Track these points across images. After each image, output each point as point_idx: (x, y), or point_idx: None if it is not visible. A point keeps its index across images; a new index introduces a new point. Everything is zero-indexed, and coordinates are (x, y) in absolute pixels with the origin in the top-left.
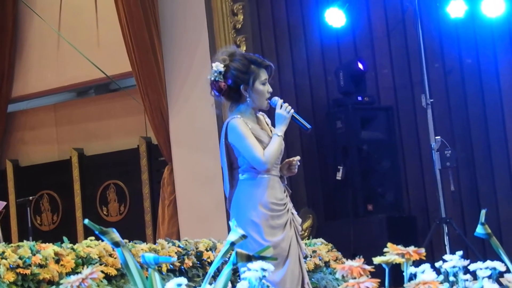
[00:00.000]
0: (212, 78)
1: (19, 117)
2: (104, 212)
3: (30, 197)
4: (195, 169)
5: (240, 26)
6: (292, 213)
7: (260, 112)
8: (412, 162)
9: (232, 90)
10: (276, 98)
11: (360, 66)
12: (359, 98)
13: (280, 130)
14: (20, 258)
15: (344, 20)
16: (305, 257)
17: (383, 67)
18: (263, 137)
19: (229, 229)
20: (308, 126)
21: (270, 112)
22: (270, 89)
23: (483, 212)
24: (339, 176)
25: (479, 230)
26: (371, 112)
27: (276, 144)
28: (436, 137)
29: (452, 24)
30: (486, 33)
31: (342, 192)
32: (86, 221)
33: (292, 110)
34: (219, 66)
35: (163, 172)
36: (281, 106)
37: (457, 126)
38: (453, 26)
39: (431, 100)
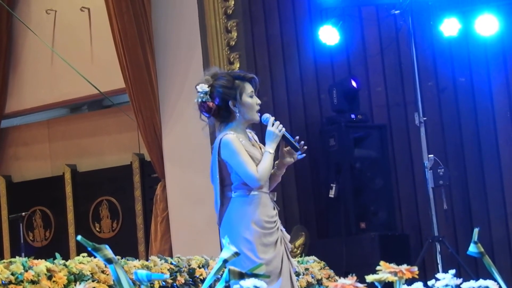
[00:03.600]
0: (200, 100)
1: (13, 132)
2: (97, 229)
3: (23, 213)
4: (188, 186)
5: (234, 43)
6: (281, 230)
7: (248, 130)
8: (405, 180)
9: (221, 108)
10: (267, 115)
11: (354, 84)
12: (352, 116)
13: (271, 147)
14: (12, 274)
15: (338, 38)
16: (298, 275)
17: (376, 85)
18: (255, 154)
19: (221, 247)
20: (300, 148)
21: (261, 128)
22: (259, 101)
23: (475, 230)
24: (331, 193)
25: (472, 248)
26: (364, 130)
27: (268, 161)
28: (429, 156)
29: (445, 42)
30: (479, 52)
31: (334, 209)
32: (79, 237)
33: (284, 129)
34: (203, 87)
35: (156, 189)
36: (273, 124)
37: (450, 145)
38: (446, 45)
39: (424, 118)
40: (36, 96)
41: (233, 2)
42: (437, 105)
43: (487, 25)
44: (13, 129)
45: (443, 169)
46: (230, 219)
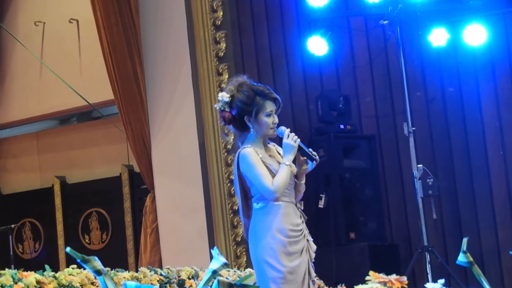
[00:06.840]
0: (218, 108)
1: (1, 145)
2: (86, 240)
3: (12, 225)
4: (178, 198)
5: (222, 54)
6: (308, 240)
7: (272, 143)
8: (394, 190)
9: (236, 120)
10: (283, 128)
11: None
12: (341, 127)
13: (287, 159)
14: (2, 286)
15: (327, 49)
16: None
17: (365, 95)
18: (273, 165)
19: (211, 258)
20: (315, 157)
21: (277, 142)
22: (276, 120)
23: (465, 240)
24: (321, 204)
25: (461, 258)
26: (353, 141)
27: (285, 173)
28: (418, 166)
29: (434, 52)
30: (468, 62)
31: (324, 220)
32: (68, 249)
33: (299, 140)
34: (224, 97)
35: (145, 200)
36: (288, 136)
37: (439, 155)
38: (435, 55)
39: (413, 128)
40: (25, 108)
41: (221, 13)
42: (426, 115)
43: (475, 35)
44: (2, 141)
45: (432, 179)
46: (255, 230)
